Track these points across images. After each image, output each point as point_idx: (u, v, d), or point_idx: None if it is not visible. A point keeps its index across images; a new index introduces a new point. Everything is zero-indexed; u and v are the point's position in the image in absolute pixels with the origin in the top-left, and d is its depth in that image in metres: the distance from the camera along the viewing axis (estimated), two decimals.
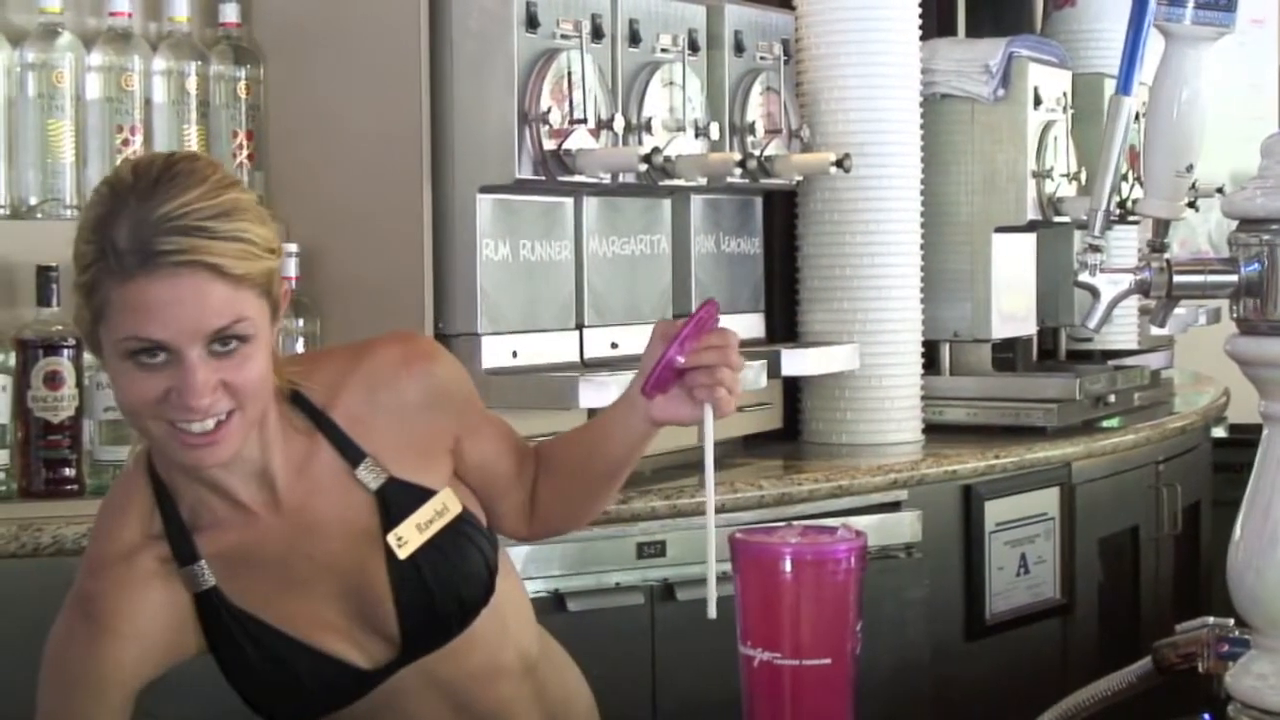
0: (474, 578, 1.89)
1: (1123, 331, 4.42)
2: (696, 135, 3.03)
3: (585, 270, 3.01)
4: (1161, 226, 1.83)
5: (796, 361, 3.26)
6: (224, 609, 1.82)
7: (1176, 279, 1.76)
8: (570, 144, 2.80)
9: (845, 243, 3.46)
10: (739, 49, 3.23)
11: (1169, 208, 1.83)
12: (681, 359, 1.78)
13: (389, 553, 1.84)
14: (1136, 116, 2.78)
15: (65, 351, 2.60)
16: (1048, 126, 3.76)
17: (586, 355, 3.00)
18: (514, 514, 2.00)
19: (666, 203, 3.21)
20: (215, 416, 1.69)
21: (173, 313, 1.65)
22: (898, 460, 3.26)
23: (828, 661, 1.59)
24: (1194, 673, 1.95)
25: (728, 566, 1.64)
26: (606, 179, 2.86)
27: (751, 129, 3.22)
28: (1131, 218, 4.01)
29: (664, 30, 3.05)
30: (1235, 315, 1.74)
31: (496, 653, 1.94)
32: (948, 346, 3.76)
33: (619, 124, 2.85)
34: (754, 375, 2.99)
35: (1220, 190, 3.98)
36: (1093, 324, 1.80)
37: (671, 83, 3.02)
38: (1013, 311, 3.82)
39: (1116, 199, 3.41)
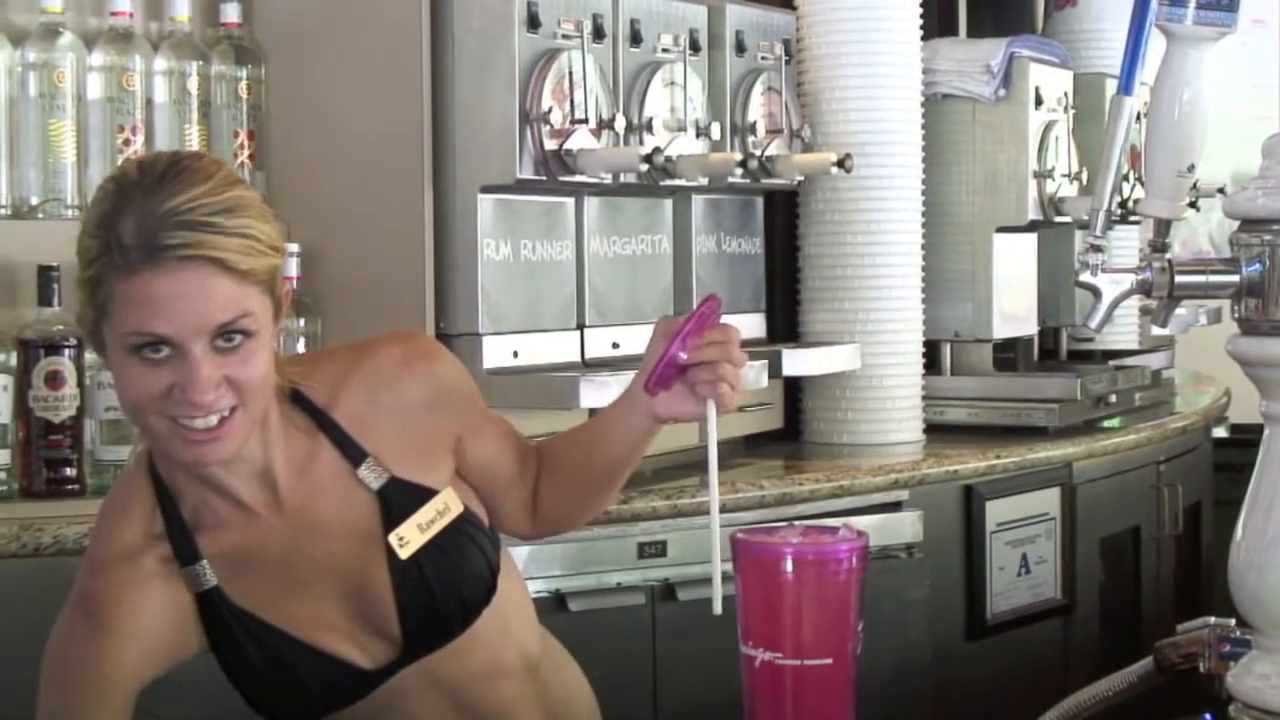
0: (476, 577, 1.89)
1: (1124, 331, 4.42)
2: (698, 135, 3.03)
3: (586, 270, 3.01)
4: (1163, 226, 1.83)
5: (797, 361, 3.26)
6: (226, 609, 1.82)
7: (1178, 279, 1.76)
8: (571, 144, 2.80)
9: (846, 243, 3.46)
10: (740, 49, 3.23)
11: (1170, 208, 1.83)
12: (684, 355, 1.78)
13: (390, 553, 1.84)
14: (1138, 117, 2.78)
15: (66, 351, 2.60)
16: (1049, 126, 3.76)
17: (588, 355, 3.00)
18: (516, 513, 2.00)
19: (668, 203, 3.21)
20: (218, 413, 1.69)
21: (177, 307, 1.65)
22: (899, 460, 3.26)
23: (829, 661, 1.59)
24: (1195, 673, 1.95)
25: (729, 566, 1.64)
26: (608, 179, 2.86)
27: (753, 129, 3.22)
28: (1133, 218, 4.01)
29: (665, 30, 3.05)
30: (1237, 315, 1.74)
31: (498, 652, 1.94)
32: (949, 346, 3.76)
33: (620, 124, 2.85)
34: (755, 375, 2.99)
35: (1221, 190, 3.98)
36: (1094, 324, 1.80)
37: (673, 83, 3.02)
38: (1014, 311, 3.82)
39: (1118, 199, 3.41)
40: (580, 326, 3.00)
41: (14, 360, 2.61)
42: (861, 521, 2.92)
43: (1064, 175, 3.79)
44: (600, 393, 2.71)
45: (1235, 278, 1.72)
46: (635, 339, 3.04)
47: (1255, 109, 5.86)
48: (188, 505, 1.82)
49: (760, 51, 3.28)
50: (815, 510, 3.00)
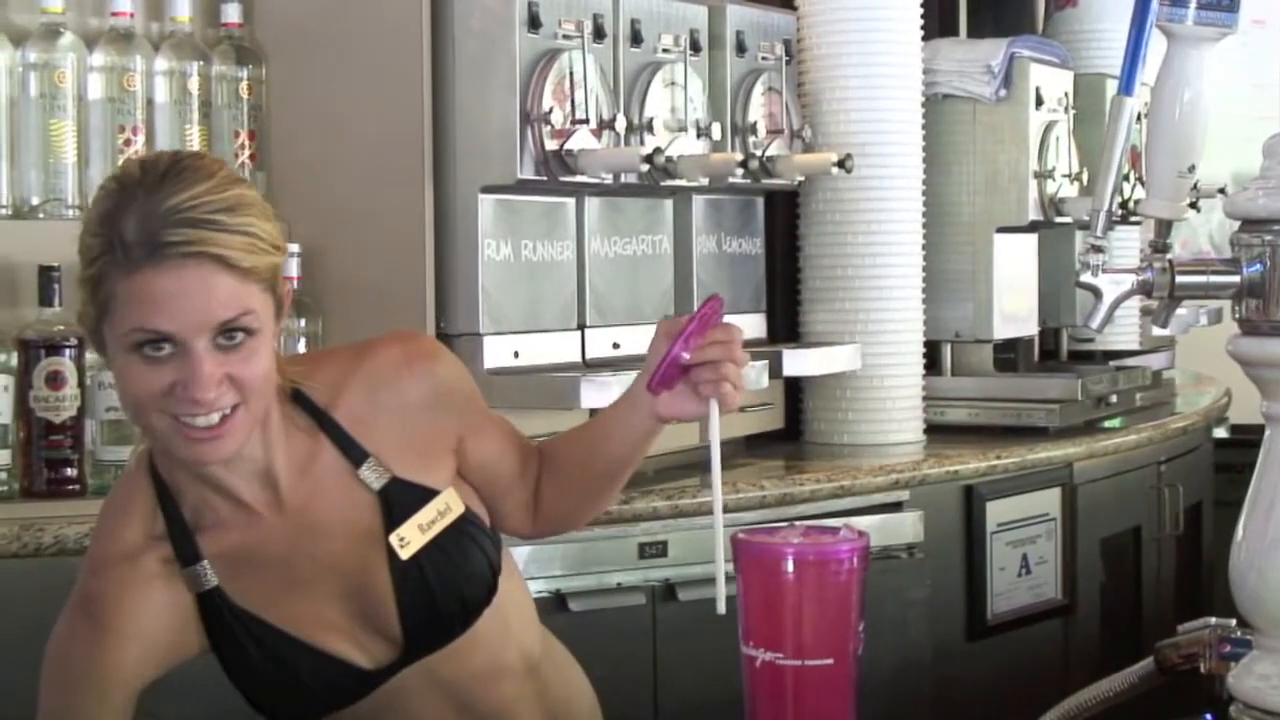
0: (476, 578, 1.88)
1: (1124, 332, 4.42)
2: (698, 135, 3.03)
3: (587, 270, 3.01)
4: (1164, 227, 1.83)
5: (798, 362, 3.26)
6: (226, 609, 1.82)
7: (1179, 279, 1.76)
8: (572, 144, 2.80)
9: (847, 243, 3.46)
10: (741, 49, 3.23)
11: (1171, 208, 1.83)
12: (687, 355, 1.78)
13: (391, 553, 1.84)
14: (1139, 117, 2.78)
15: (67, 351, 2.60)
16: (1049, 127, 3.76)
17: (588, 355, 3.00)
18: (517, 512, 2.00)
19: (668, 203, 3.21)
20: (220, 410, 1.69)
21: (179, 304, 1.65)
22: (899, 460, 3.26)
23: (830, 662, 1.59)
24: (1196, 673, 1.95)
25: (731, 566, 1.64)
26: (608, 179, 2.86)
27: (753, 129, 3.22)
28: (1133, 218, 4.01)
29: (666, 30, 3.05)
30: (1237, 316, 1.74)
31: (499, 653, 1.94)
32: (949, 347, 3.76)
33: (621, 124, 2.85)
34: (756, 375, 2.99)
35: (1222, 191, 3.98)
36: (1095, 324, 1.80)
37: (673, 83, 3.02)
38: (1014, 312, 3.82)
39: (1118, 199, 3.41)
40: (581, 327, 3.00)
41: (15, 360, 2.61)
42: (862, 522, 2.92)
43: (1064, 176, 3.79)
44: (601, 393, 2.71)
45: (1236, 278, 1.72)
46: (636, 339, 3.04)
47: (1256, 109, 5.86)
48: (188, 505, 1.82)
49: (761, 52, 3.28)
50: (816, 510, 3.00)
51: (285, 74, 3.02)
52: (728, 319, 1.82)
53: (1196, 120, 1.81)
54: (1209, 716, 1.82)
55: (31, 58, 2.79)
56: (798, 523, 1.74)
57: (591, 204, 3.02)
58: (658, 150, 2.81)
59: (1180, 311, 1.87)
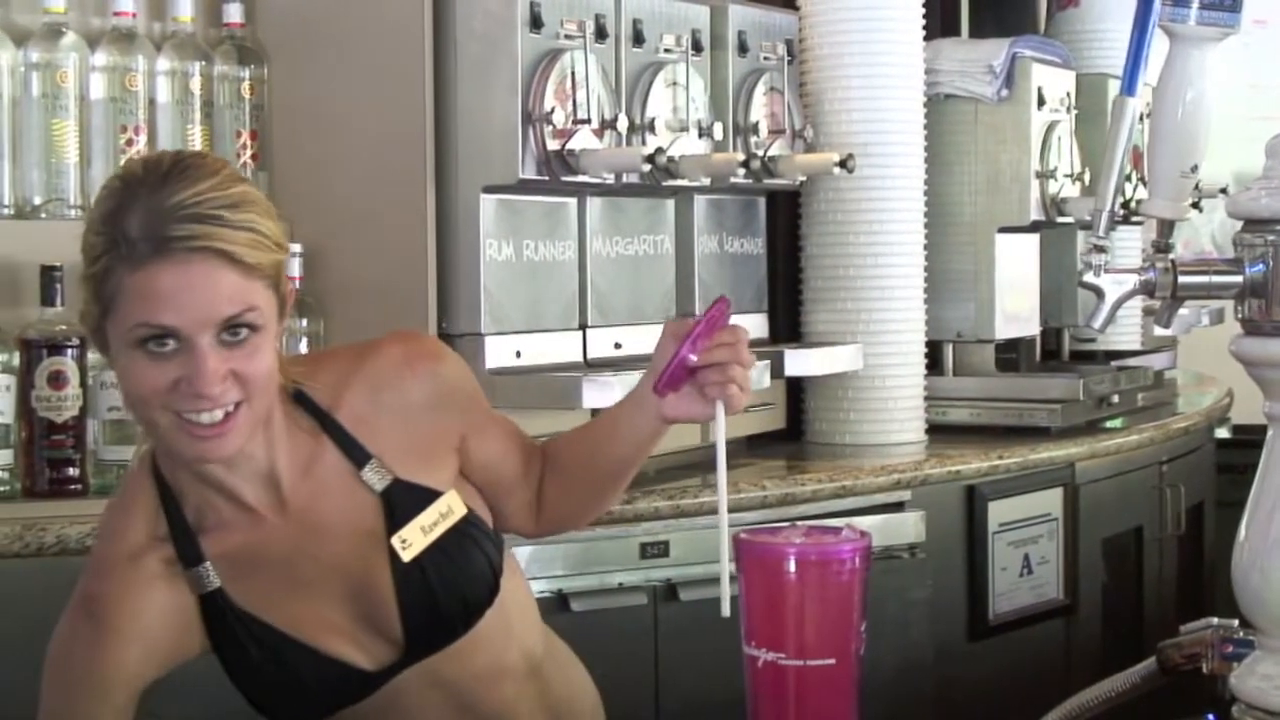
0: (478, 579, 1.88)
1: (1126, 332, 4.42)
2: (700, 135, 3.03)
3: (589, 270, 3.01)
4: (1166, 227, 1.83)
5: (800, 362, 3.26)
6: (228, 610, 1.82)
7: (1181, 279, 1.76)
8: (574, 144, 2.80)
9: (849, 243, 3.46)
10: (742, 49, 3.23)
11: (1173, 208, 1.83)
12: (694, 357, 1.78)
13: (393, 554, 1.84)
14: (1141, 117, 2.78)
15: (69, 351, 2.60)
16: (1051, 127, 3.76)
17: (590, 355, 3.00)
18: (520, 512, 2.00)
19: (670, 203, 3.21)
20: (223, 407, 1.70)
21: (184, 299, 1.65)
22: (901, 461, 3.26)
23: (832, 662, 1.59)
24: (1198, 673, 1.95)
25: (733, 566, 1.64)
26: (610, 179, 2.86)
27: (755, 129, 3.22)
28: (1135, 218, 4.01)
29: (668, 30, 3.05)
30: (1240, 316, 1.74)
31: (501, 653, 1.94)
32: (951, 347, 3.76)
33: (622, 124, 2.85)
34: (757, 375, 2.99)
35: (1224, 191, 3.98)
36: (1097, 324, 1.80)
37: (675, 83, 3.02)
38: (1016, 312, 3.81)
39: (1120, 199, 3.41)
40: (583, 326, 3.00)
41: (17, 360, 2.61)
42: (864, 522, 2.91)
43: (1066, 176, 3.79)
44: (602, 393, 2.71)
45: (1238, 278, 1.72)
46: (638, 339, 3.04)
47: (1257, 109, 5.86)
48: (191, 506, 1.82)
49: (763, 52, 3.28)
50: (818, 510, 3.00)
51: (287, 74, 3.02)
52: (730, 320, 1.82)
53: (1199, 120, 1.81)
54: (1211, 717, 1.82)
55: (34, 57, 2.79)
56: (799, 523, 1.74)
57: (593, 204, 3.02)
58: (659, 150, 2.80)
59: (1182, 311, 1.87)
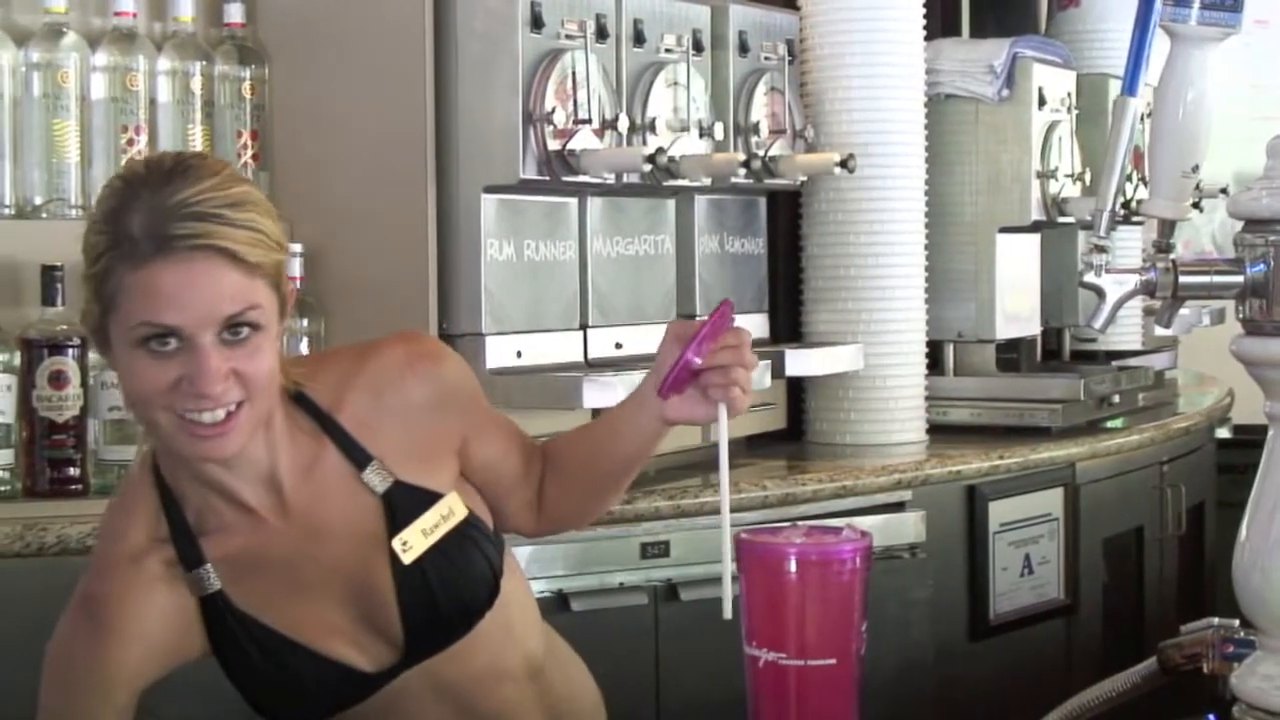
0: (478, 582, 1.88)
1: (1127, 332, 4.42)
2: (701, 135, 3.03)
3: (589, 270, 3.01)
4: (1167, 227, 1.83)
5: (801, 362, 3.26)
6: (229, 613, 1.82)
7: (1182, 279, 1.76)
8: (575, 144, 2.80)
9: (849, 243, 3.46)
10: (743, 49, 3.23)
11: (1174, 208, 1.83)
12: (699, 360, 1.78)
13: (394, 557, 1.84)
14: (1142, 117, 2.77)
15: (70, 351, 2.60)
16: (1052, 127, 3.76)
17: (591, 355, 3.00)
18: (521, 511, 2.00)
19: (671, 203, 3.21)
20: (225, 406, 1.70)
21: (186, 297, 1.65)
22: (902, 460, 3.26)
23: (833, 662, 1.59)
24: (1199, 673, 1.95)
25: (734, 567, 1.64)
26: (611, 179, 2.86)
27: (756, 129, 3.22)
28: (1136, 218, 4.01)
29: (668, 30, 3.05)
30: (1241, 316, 1.74)
31: (501, 655, 1.94)
32: (952, 347, 3.75)
33: (623, 124, 2.85)
34: (758, 375, 2.99)
35: (1224, 191, 3.98)
36: (1098, 324, 1.80)
37: (676, 83, 3.02)
38: (1017, 312, 3.81)
39: (1121, 200, 3.41)
40: (583, 326, 3.00)
41: (17, 360, 2.61)
42: (865, 522, 2.91)
43: (1067, 176, 3.79)
44: (603, 393, 2.71)
45: (1239, 278, 1.72)
46: (638, 339, 3.04)
47: (1258, 109, 5.86)
48: (192, 509, 1.82)
49: (763, 52, 3.28)
50: (818, 510, 3.00)
51: (288, 74, 3.02)
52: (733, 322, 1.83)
53: (1200, 120, 1.81)
54: (1212, 717, 1.81)
55: (34, 57, 2.79)
56: (800, 523, 1.74)
57: (594, 204, 3.02)
58: (660, 150, 2.80)
59: (1183, 311, 1.87)
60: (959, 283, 3.72)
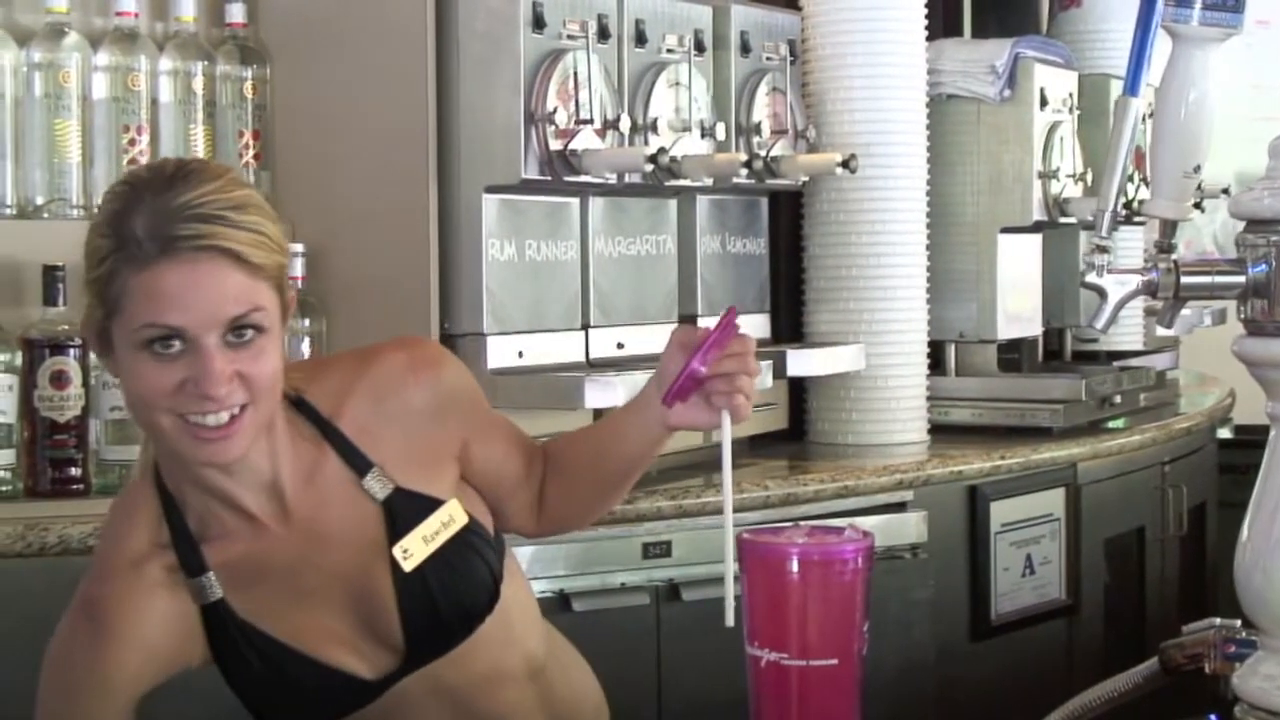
0: (479, 587, 1.88)
1: (1128, 332, 4.42)
2: (702, 135, 3.03)
3: (591, 270, 3.01)
4: (1168, 227, 1.83)
5: (802, 362, 3.26)
6: (230, 621, 1.81)
7: (1184, 280, 1.76)
8: (576, 144, 2.80)
9: (851, 243, 3.46)
10: (745, 49, 3.23)
11: (1176, 208, 1.83)
12: (704, 370, 1.78)
13: (394, 564, 1.84)
14: (1143, 118, 2.77)
15: (71, 351, 2.60)
16: (1054, 127, 3.76)
17: (592, 355, 3.00)
18: (522, 513, 2.00)
19: (672, 203, 3.21)
20: (229, 409, 1.69)
21: (191, 298, 1.66)
22: (903, 461, 3.26)
23: (834, 662, 1.59)
24: (1200, 674, 1.95)
25: (736, 567, 1.64)
26: (612, 179, 2.86)
27: (757, 129, 3.22)
28: (1138, 219, 4.01)
29: (670, 30, 3.05)
30: (1242, 316, 1.74)
31: (502, 658, 1.94)
32: (953, 347, 3.75)
33: (625, 124, 2.85)
34: (760, 376, 2.99)
35: (1226, 191, 3.98)
36: (1100, 325, 1.80)
37: (677, 83, 3.02)
38: (1018, 312, 3.81)
39: (1123, 200, 3.41)
40: (585, 327, 3.00)
41: (19, 360, 2.62)
42: (866, 522, 2.91)
43: (1069, 176, 3.79)
44: (605, 393, 2.71)
45: (1241, 278, 1.72)
46: (640, 339, 3.05)
47: (1259, 109, 5.86)
48: (194, 516, 1.82)
49: (765, 52, 3.28)
50: (820, 511, 3.00)
51: (289, 74, 3.02)
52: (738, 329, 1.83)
53: (1201, 121, 1.81)
54: (1214, 717, 1.81)
55: (36, 57, 2.79)
56: (802, 523, 1.74)
57: (595, 204, 3.02)
58: (662, 150, 2.81)
59: (1185, 312, 1.87)
60: (960, 283, 3.71)
